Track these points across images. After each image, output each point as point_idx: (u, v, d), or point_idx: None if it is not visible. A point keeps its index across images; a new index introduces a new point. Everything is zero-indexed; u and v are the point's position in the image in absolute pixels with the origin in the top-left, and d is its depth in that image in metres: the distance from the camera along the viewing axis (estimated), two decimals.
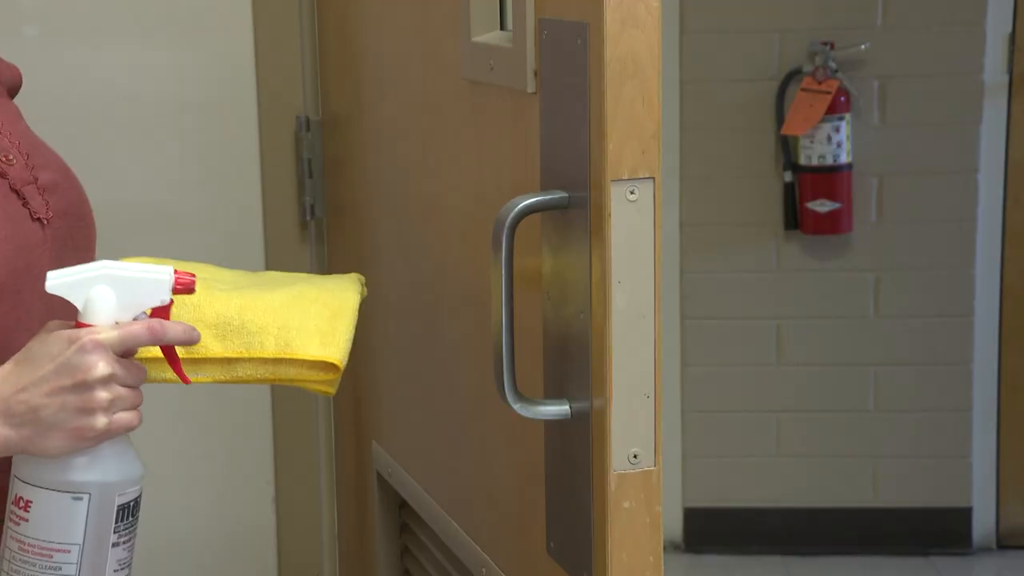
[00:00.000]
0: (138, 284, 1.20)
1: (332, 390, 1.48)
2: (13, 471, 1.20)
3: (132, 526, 1.23)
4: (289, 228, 2.14)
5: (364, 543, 2.09)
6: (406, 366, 1.83)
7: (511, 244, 1.25)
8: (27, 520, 1.18)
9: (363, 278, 1.62)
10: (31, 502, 1.18)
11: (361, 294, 1.58)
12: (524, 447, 1.40)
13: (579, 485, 1.25)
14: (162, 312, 1.21)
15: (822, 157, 3.62)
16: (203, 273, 1.54)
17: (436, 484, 1.73)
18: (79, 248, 1.38)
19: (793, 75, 3.66)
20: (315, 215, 2.13)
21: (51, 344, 1.17)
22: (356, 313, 1.52)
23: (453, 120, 1.55)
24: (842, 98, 3.59)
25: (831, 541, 3.86)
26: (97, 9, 2.10)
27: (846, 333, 3.78)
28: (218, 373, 1.40)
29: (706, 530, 3.89)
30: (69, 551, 1.18)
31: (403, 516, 1.91)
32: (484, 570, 1.53)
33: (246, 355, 1.42)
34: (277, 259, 2.14)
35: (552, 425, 1.30)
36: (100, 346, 1.16)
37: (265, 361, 1.42)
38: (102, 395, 1.16)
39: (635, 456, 1.20)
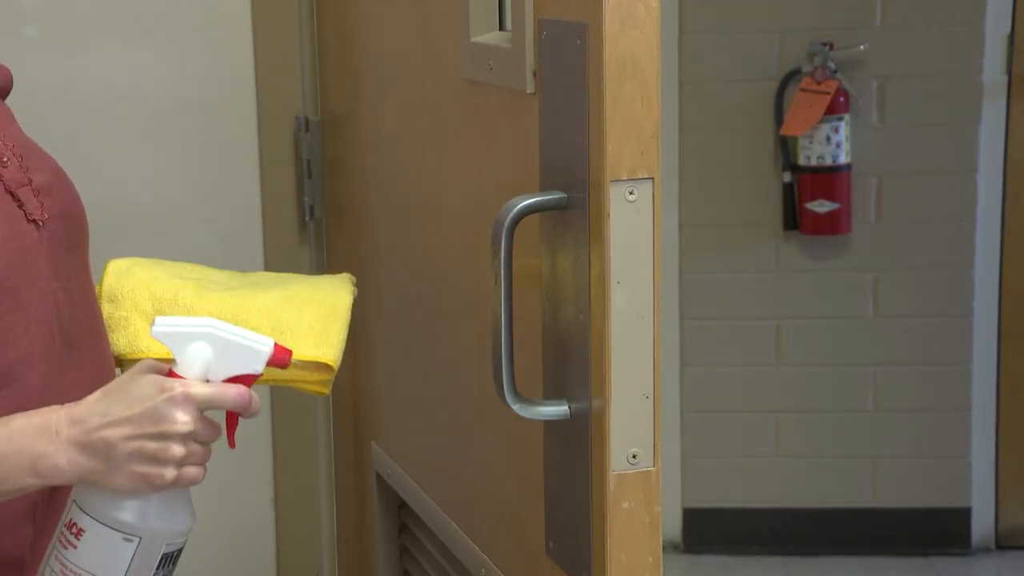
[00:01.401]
0: (238, 349, 1.22)
1: (326, 390, 1.48)
2: (74, 495, 1.22)
3: (170, 573, 1.26)
4: (288, 228, 2.14)
5: (363, 543, 2.09)
6: (405, 366, 1.83)
7: (510, 244, 1.25)
8: (75, 547, 1.21)
9: (354, 278, 1.63)
10: (83, 531, 1.21)
11: (352, 294, 1.58)
12: (523, 447, 1.40)
13: (578, 485, 1.25)
14: (247, 380, 1.22)
15: (821, 157, 3.62)
16: (194, 274, 1.54)
17: (435, 484, 1.73)
18: (73, 249, 1.38)
19: (792, 75, 3.66)
20: (314, 215, 2.13)
21: (143, 386, 1.19)
22: (349, 313, 1.52)
23: (452, 120, 1.55)
24: (841, 98, 3.59)
25: (830, 541, 3.86)
26: (96, 10, 2.10)
27: (845, 333, 3.77)
28: None
29: (705, 530, 3.89)
30: None
31: (402, 516, 1.90)
32: (483, 570, 1.53)
33: None
34: (276, 259, 2.14)
35: (551, 425, 1.30)
36: (189, 401, 1.19)
37: None
38: (178, 449, 1.18)
39: (634, 456, 1.20)
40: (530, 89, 1.30)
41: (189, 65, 2.12)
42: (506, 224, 1.24)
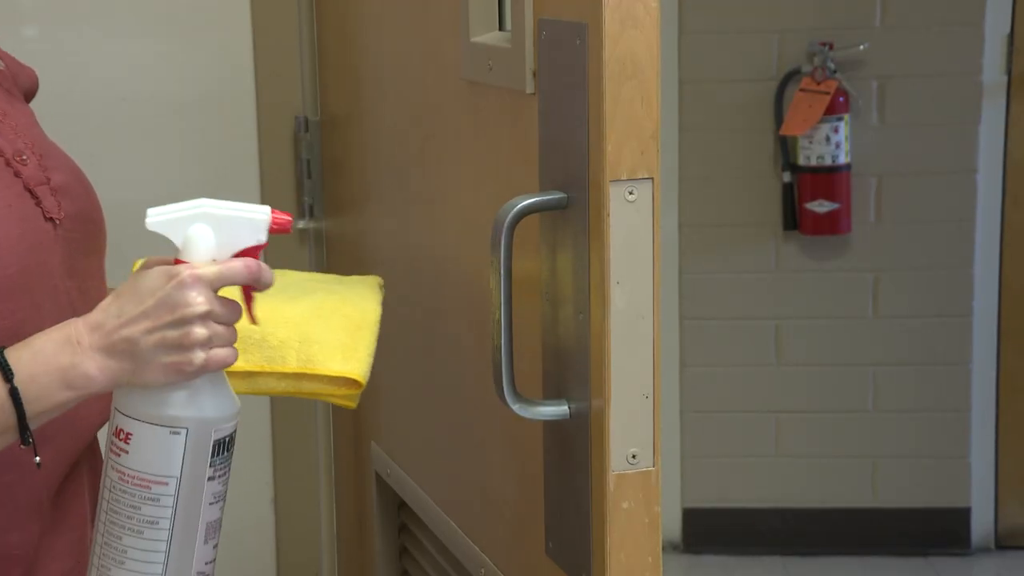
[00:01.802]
0: (236, 223, 1.21)
1: (353, 404, 1.47)
2: (115, 404, 1.22)
3: (227, 461, 1.25)
4: None
5: (363, 543, 2.09)
6: (405, 367, 1.83)
7: (510, 244, 1.25)
8: (127, 452, 1.21)
9: (382, 281, 1.61)
10: (131, 434, 1.20)
11: (380, 302, 1.56)
12: (523, 448, 1.40)
13: (578, 485, 1.25)
14: (253, 252, 1.22)
15: (821, 157, 3.62)
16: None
17: (435, 485, 1.73)
18: (89, 252, 1.38)
19: (792, 75, 3.66)
20: (314, 215, 2.13)
21: (151, 279, 1.18)
22: (377, 325, 1.51)
23: (452, 120, 1.55)
24: (841, 98, 3.59)
25: (830, 541, 3.86)
26: (96, 9, 2.10)
27: (845, 333, 3.77)
28: (239, 386, 1.39)
29: (705, 530, 3.89)
30: (167, 483, 1.21)
31: (402, 517, 1.90)
32: (483, 570, 1.53)
33: (267, 369, 1.41)
34: (275, 260, 2.13)
35: (551, 426, 1.30)
36: (199, 282, 1.18)
37: (286, 375, 1.42)
38: (200, 331, 1.17)
39: (634, 456, 1.20)
40: (530, 89, 1.30)
41: (189, 65, 2.12)
42: (506, 224, 1.24)
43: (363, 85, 1.90)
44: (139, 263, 1.35)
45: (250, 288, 1.24)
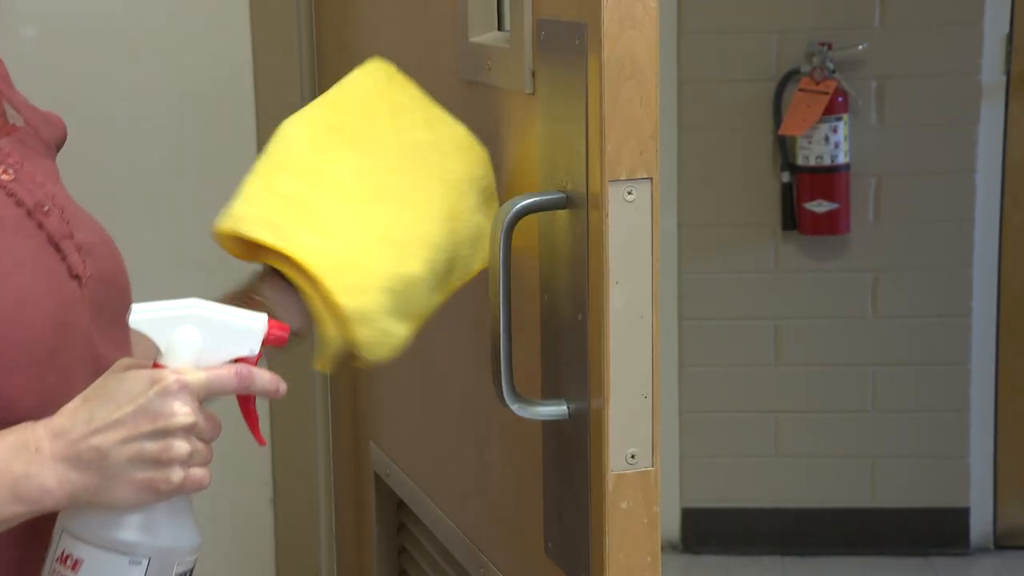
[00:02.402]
0: (229, 330, 1.09)
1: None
2: (62, 522, 1.07)
3: None
4: None
5: (362, 543, 2.09)
6: (403, 367, 1.83)
7: (508, 244, 1.25)
8: None
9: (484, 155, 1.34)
10: (81, 561, 1.05)
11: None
12: (522, 447, 1.40)
13: (577, 485, 1.25)
14: (248, 363, 1.10)
15: (820, 157, 3.62)
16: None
17: (434, 484, 1.73)
18: (115, 320, 1.22)
19: (791, 75, 3.66)
20: None
21: (129, 382, 1.06)
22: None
23: None
24: (840, 98, 3.59)
25: (829, 542, 3.86)
26: (95, 8, 2.10)
27: (844, 333, 3.78)
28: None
29: (704, 530, 3.89)
30: None
31: (400, 516, 1.90)
32: (481, 570, 1.53)
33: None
34: None
35: (550, 425, 1.30)
36: (186, 390, 1.06)
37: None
38: (182, 446, 1.05)
39: (633, 456, 1.20)
40: (529, 89, 1.30)
41: (187, 63, 2.12)
42: (505, 224, 1.24)
43: None
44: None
45: (250, 401, 1.13)
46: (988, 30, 3.61)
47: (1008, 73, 3.65)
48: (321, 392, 2.18)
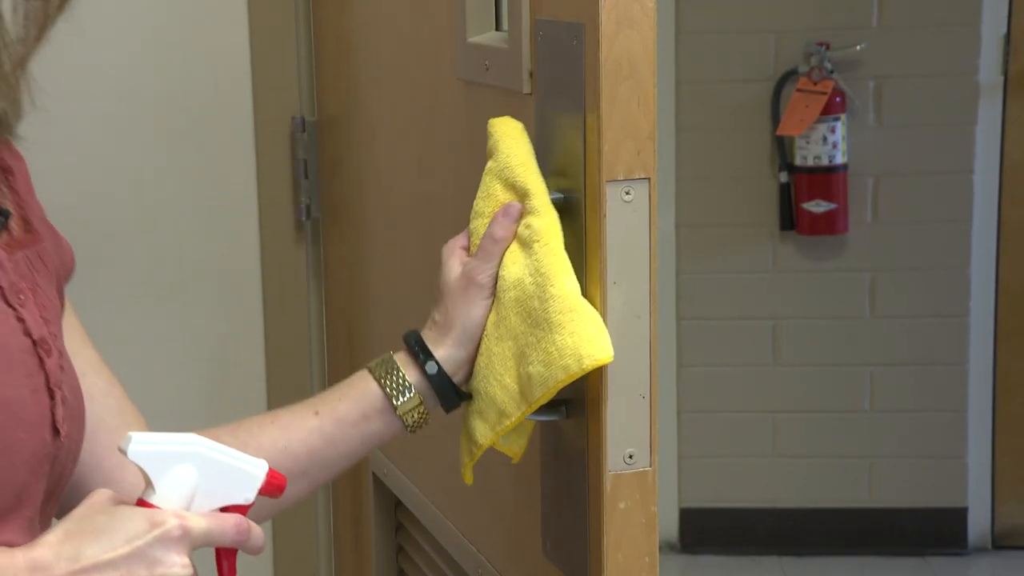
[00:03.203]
0: (227, 473, 1.02)
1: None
2: None
3: None
4: (285, 229, 2.14)
5: (359, 543, 2.09)
6: None
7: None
8: None
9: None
10: None
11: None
12: None
13: (574, 485, 1.25)
14: (240, 511, 1.02)
15: (818, 158, 3.63)
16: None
17: (431, 484, 1.73)
18: (52, 496, 1.08)
19: (789, 76, 3.66)
20: (311, 216, 2.13)
21: (123, 520, 0.95)
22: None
23: (449, 121, 1.55)
24: (838, 99, 3.60)
25: (827, 541, 3.86)
26: (93, 10, 2.10)
27: (842, 333, 3.78)
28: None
29: (702, 530, 3.89)
30: None
31: (398, 516, 1.90)
32: (479, 570, 1.53)
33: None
34: (273, 260, 2.14)
35: (548, 426, 1.30)
36: (187, 538, 0.96)
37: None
38: None
39: (631, 456, 1.20)
40: (526, 89, 1.30)
41: (186, 65, 2.12)
42: None
43: (360, 85, 1.90)
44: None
45: (232, 555, 1.03)
46: (986, 30, 3.62)
47: (1006, 73, 3.65)
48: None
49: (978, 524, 3.84)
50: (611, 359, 1.15)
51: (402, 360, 1.28)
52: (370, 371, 1.29)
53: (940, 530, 3.83)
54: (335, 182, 2.06)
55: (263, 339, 2.16)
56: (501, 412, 1.24)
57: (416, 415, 1.27)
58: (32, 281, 1.07)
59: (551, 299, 1.17)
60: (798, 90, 3.62)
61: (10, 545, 0.96)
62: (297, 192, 2.13)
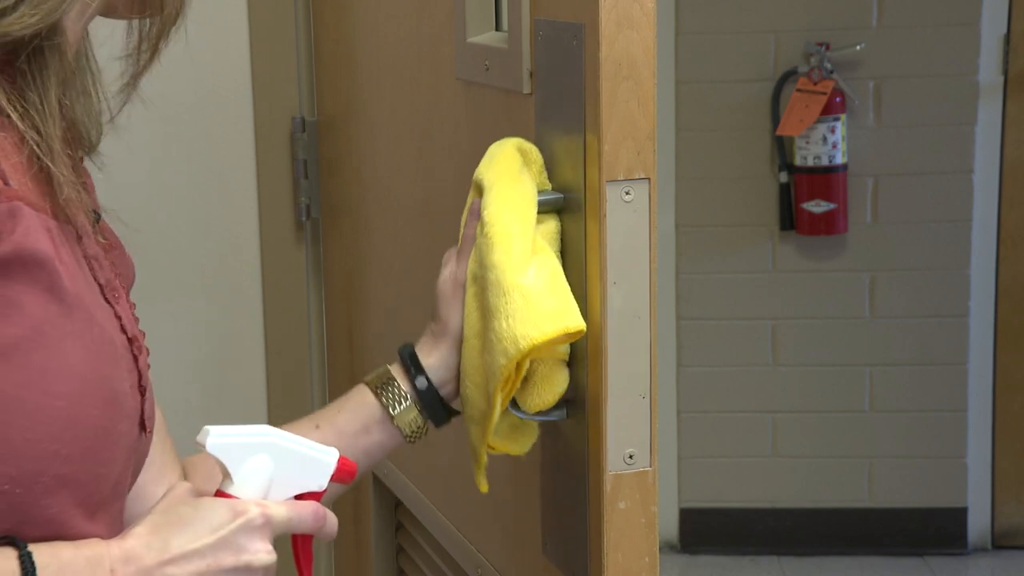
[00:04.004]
0: (302, 462, 1.05)
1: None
2: None
3: None
4: (285, 229, 2.14)
5: (360, 543, 2.09)
6: None
7: None
8: None
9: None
10: None
11: None
12: None
13: (574, 485, 1.25)
14: (313, 498, 1.06)
15: (817, 158, 3.63)
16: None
17: (431, 484, 1.73)
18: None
19: (789, 76, 3.66)
20: (311, 216, 2.13)
21: (207, 511, 0.99)
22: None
23: (448, 121, 1.55)
24: (837, 99, 3.60)
25: (826, 541, 3.86)
26: None
27: (842, 334, 3.78)
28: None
29: (702, 530, 3.89)
30: None
31: (398, 516, 1.91)
32: (479, 570, 1.53)
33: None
34: (273, 260, 2.14)
35: (548, 425, 1.30)
36: (268, 526, 1.01)
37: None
38: None
39: (631, 456, 1.20)
40: (526, 89, 1.30)
41: (185, 65, 2.11)
42: None
43: (360, 85, 1.90)
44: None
45: (308, 541, 1.08)
46: (985, 30, 3.62)
47: (1005, 73, 3.65)
48: (319, 394, 2.18)
49: (978, 524, 3.84)
50: (558, 334, 1.15)
51: (397, 372, 1.29)
52: (367, 384, 1.30)
53: (940, 530, 3.83)
54: (335, 182, 2.06)
55: (263, 339, 2.16)
56: (482, 412, 1.24)
57: (415, 425, 1.29)
58: (120, 283, 1.12)
59: (489, 286, 1.18)
60: (798, 90, 3.62)
61: (97, 537, 0.99)
62: (297, 192, 2.13)
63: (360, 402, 1.29)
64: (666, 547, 3.87)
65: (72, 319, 0.96)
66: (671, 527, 3.88)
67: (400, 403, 1.27)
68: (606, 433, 1.19)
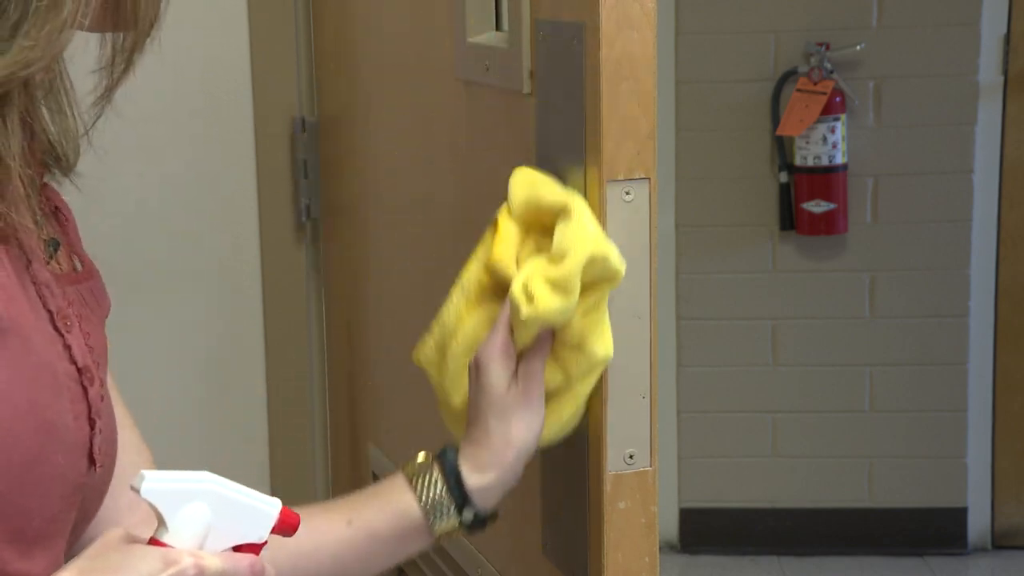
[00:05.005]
0: (242, 512, 0.99)
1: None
2: None
3: None
4: (285, 229, 2.14)
5: None
6: (402, 368, 1.83)
7: None
8: None
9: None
10: None
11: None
12: None
13: (574, 485, 1.25)
14: (253, 550, 1.00)
15: (817, 158, 3.63)
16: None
17: None
18: (81, 524, 1.09)
19: (789, 76, 3.66)
20: (311, 216, 2.13)
21: (137, 559, 0.92)
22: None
23: (448, 121, 1.55)
24: (837, 99, 3.60)
25: (826, 542, 3.86)
26: None
27: (842, 334, 3.78)
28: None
29: (702, 530, 3.89)
30: None
31: None
32: (479, 570, 1.53)
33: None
34: (273, 260, 2.14)
35: None
36: None
37: None
38: None
39: (631, 456, 1.20)
40: (526, 89, 1.30)
41: (185, 65, 2.12)
42: None
43: (360, 86, 1.90)
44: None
45: None
46: (985, 30, 3.62)
47: (1005, 73, 3.65)
48: (319, 395, 2.18)
49: (978, 524, 3.84)
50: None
51: (442, 480, 1.24)
52: (409, 482, 1.25)
53: (940, 530, 3.83)
54: (335, 182, 2.06)
55: (263, 339, 2.16)
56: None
57: (451, 535, 1.25)
58: (80, 311, 1.07)
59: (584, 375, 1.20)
60: (798, 90, 3.62)
61: None
62: (297, 192, 2.13)
63: (400, 508, 1.24)
64: (666, 547, 3.87)
65: (3, 343, 0.93)
66: (671, 527, 3.88)
67: (443, 518, 1.24)
68: (606, 433, 1.19)
